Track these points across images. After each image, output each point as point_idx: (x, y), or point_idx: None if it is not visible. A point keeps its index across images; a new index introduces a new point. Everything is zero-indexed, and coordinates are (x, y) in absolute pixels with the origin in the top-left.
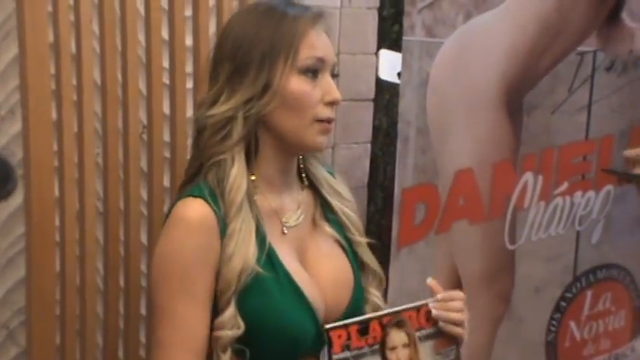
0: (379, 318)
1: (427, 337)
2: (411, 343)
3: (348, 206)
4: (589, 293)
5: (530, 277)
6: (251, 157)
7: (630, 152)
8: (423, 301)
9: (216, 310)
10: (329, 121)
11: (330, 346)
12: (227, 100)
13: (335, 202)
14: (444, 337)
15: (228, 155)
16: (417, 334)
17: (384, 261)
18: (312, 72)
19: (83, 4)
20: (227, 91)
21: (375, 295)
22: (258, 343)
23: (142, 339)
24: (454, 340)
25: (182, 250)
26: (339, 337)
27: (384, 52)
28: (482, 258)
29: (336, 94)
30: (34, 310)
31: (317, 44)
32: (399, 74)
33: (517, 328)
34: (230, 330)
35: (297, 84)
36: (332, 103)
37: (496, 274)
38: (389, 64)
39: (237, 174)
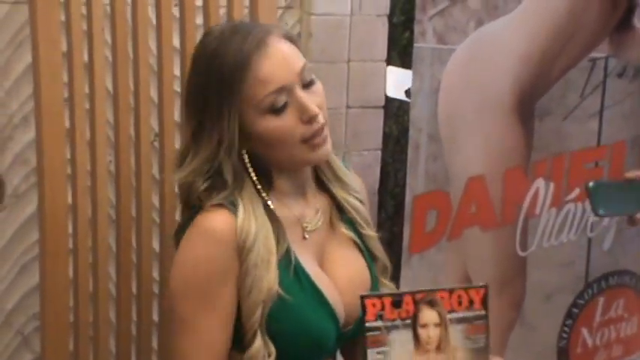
0: (413, 294)
1: (458, 321)
2: (442, 324)
3: (357, 197)
4: (601, 300)
5: (542, 283)
6: (262, 178)
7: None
8: (457, 285)
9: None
10: (317, 133)
11: (364, 313)
12: (191, 160)
13: (346, 198)
14: (473, 323)
15: (231, 197)
16: (448, 316)
17: (396, 268)
18: (279, 108)
19: (95, 14)
20: (192, 150)
21: (386, 285)
22: (280, 347)
23: (155, 345)
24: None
25: (205, 262)
26: (374, 305)
27: (392, 69)
28: (494, 265)
29: (310, 111)
30: (48, 316)
31: (268, 75)
32: (407, 92)
33: (529, 335)
34: None
35: (265, 125)
36: (311, 120)
37: (508, 281)
38: (397, 81)
39: (244, 216)
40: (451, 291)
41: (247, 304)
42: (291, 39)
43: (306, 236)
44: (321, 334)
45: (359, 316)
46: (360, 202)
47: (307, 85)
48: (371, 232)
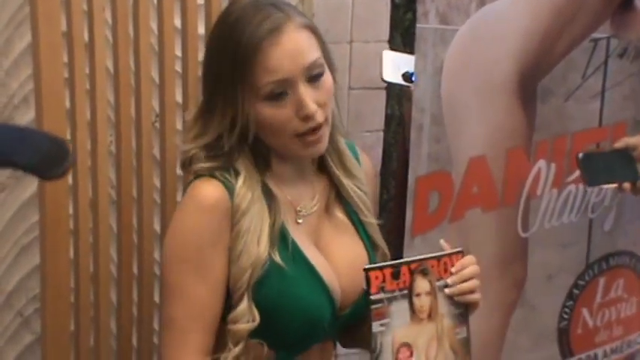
0: (408, 264)
1: (444, 287)
2: (433, 292)
3: (359, 186)
4: (601, 280)
5: (544, 264)
6: (260, 158)
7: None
8: (443, 252)
9: (230, 301)
10: (312, 131)
11: (369, 286)
12: (200, 133)
13: (348, 184)
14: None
15: (228, 165)
16: (437, 283)
17: (398, 250)
18: (277, 96)
19: None
20: (200, 123)
21: None
22: (276, 327)
23: (156, 326)
24: (471, 306)
25: (194, 231)
26: (376, 278)
27: (387, 53)
28: (496, 245)
29: (307, 109)
30: (49, 297)
31: (274, 65)
32: (404, 75)
33: (530, 315)
34: (245, 324)
35: (261, 111)
36: (307, 118)
37: (509, 262)
38: (393, 65)
39: (242, 183)
40: (439, 259)
41: (236, 267)
42: (311, 29)
43: (299, 221)
44: (314, 309)
45: (356, 298)
46: (363, 191)
47: (313, 79)
48: (372, 220)
